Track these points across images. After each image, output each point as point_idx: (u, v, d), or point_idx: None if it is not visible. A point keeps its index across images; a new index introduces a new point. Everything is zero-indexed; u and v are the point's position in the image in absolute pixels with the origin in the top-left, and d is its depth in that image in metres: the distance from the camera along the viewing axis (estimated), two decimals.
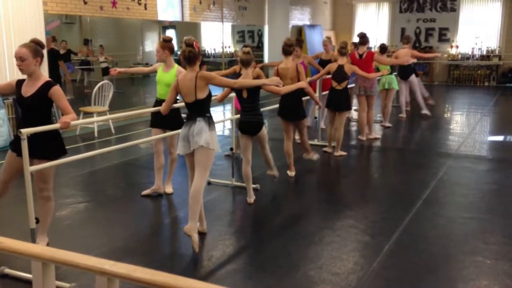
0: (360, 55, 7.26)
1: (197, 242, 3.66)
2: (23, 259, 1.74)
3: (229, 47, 15.19)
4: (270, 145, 5.01)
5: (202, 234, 4.00)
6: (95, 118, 7.25)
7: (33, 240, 3.24)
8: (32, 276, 1.66)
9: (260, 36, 15.20)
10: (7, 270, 3.24)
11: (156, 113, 4.77)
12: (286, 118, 5.55)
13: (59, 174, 5.36)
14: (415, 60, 9.46)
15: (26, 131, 3.10)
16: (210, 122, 3.74)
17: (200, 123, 3.68)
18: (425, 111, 9.79)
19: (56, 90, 3.36)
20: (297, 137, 6.56)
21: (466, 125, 9.28)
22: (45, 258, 1.59)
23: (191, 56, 3.67)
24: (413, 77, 9.51)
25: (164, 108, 3.99)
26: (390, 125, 8.70)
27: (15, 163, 3.44)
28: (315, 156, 5.91)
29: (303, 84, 4.93)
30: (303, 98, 5.66)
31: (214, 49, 14.87)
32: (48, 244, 3.62)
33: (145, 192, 5.01)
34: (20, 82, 3.45)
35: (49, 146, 3.42)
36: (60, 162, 3.59)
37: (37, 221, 3.30)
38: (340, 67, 6.30)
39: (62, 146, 3.56)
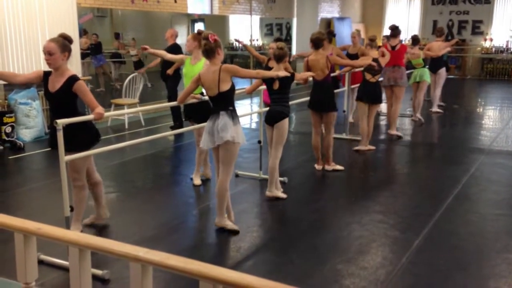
0: (393, 47, 7.17)
1: (233, 226, 3.90)
2: (58, 246, 1.79)
3: (257, 40, 15.17)
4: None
5: None
6: (125, 110, 7.37)
7: (68, 228, 3.33)
8: (69, 262, 1.71)
9: (289, 29, 15.10)
10: (43, 256, 3.34)
11: (186, 107, 4.86)
12: (315, 109, 5.50)
13: None
14: (449, 49, 9.30)
15: (61, 122, 3.18)
16: (233, 115, 3.73)
17: (223, 118, 3.68)
18: (434, 108, 9.37)
19: (80, 85, 3.42)
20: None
21: (499, 120, 9.04)
22: (81, 244, 1.64)
23: (207, 49, 3.66)
24: (442, 71, 9.26)
25: (181, 98, 4.06)
26: (421, 119, 8.51)
27: None
28: (337, 166, 5.64)
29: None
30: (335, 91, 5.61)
31: None
32: (81, 232, 3.72)
33: (196, 182, 5.15)
34: (47, 74, 3.52)
35: (75, 139, 3.48)
36: (91, 153, 3.67)
37: (72, 209, 3.40)
38: (375, 61, 6.21)
39: (92, 137, 3.65)
